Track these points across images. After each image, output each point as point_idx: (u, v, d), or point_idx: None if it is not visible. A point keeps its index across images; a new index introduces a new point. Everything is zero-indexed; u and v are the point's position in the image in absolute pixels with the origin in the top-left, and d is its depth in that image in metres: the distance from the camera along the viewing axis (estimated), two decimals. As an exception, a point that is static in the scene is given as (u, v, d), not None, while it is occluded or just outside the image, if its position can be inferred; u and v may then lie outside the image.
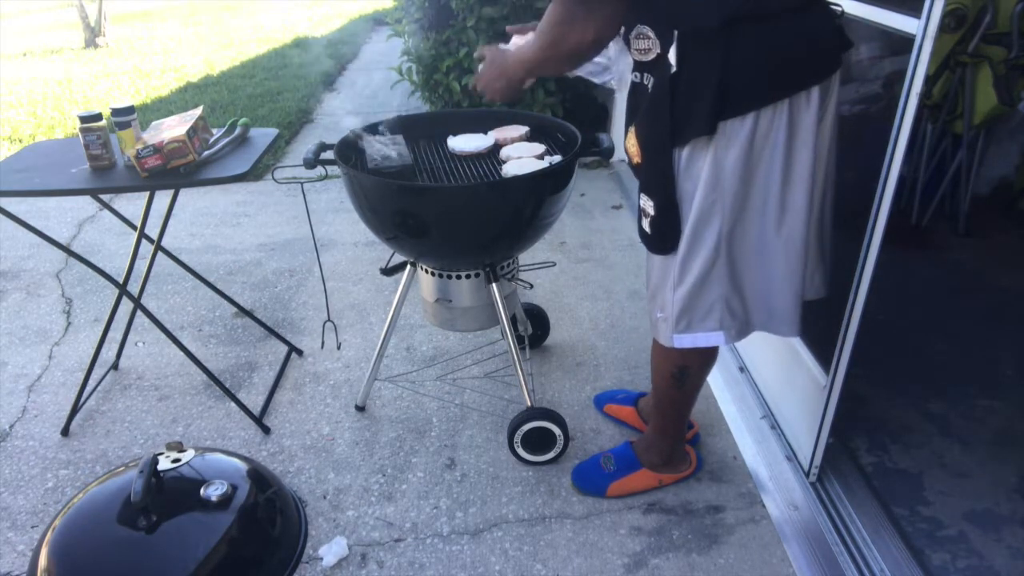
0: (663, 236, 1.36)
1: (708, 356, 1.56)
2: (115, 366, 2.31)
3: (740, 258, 1.34)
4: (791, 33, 1.19)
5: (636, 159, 1.36)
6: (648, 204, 1.37)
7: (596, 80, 1.63)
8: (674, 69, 1.22)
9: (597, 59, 1.58)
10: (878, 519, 1.65)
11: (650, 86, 1.30)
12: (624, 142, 1.40)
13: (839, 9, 1.29)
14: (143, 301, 2.03)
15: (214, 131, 1.93)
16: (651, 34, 1.25)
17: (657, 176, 1.32)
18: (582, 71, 1.62)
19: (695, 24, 1.19)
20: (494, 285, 1.78)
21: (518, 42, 1.56)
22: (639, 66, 1.32)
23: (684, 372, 1.56)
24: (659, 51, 1.25)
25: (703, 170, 1.26)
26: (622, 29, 1.33)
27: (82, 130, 1.76)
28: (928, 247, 2.95)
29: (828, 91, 1.26)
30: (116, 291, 1.95)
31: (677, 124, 1.25)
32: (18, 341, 2.49)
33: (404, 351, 2.37)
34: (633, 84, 1.35)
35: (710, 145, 1.24)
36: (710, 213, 1.29)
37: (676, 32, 1.21)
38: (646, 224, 1.40)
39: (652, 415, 1.78)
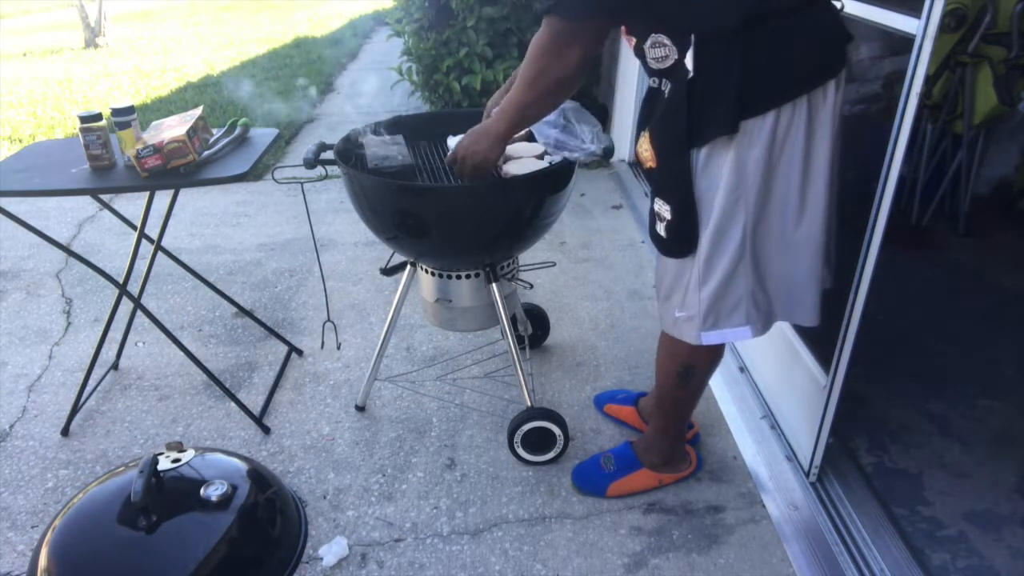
0: (680, 239, 1.36)
1: (715, 355, 1.57)
2: (115, 366, 2.31)
3: (763, 253, 1.35)
4: (802, 30, 1.21)
5: (650, 163, 1.36)
6: (664, 208, 1.36)
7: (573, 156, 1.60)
8: (691, 74, 1.23)
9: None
10: (878, 519, 1.65)
11: (667, 91, 1.30)
12: (636, 146, 1.41)
13: (840, 4, 1.30)
14: (143, 301, 2.03)
15: (214, 131, 1.93)
16: (667, 41, 1.26)
17: (674, 179, 1.32)
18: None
19: (715, 26, 1.20)
20: (494, 285, 1.78)
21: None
22: (656, 72, 1.33)
23: (690, 371, 1.56)
24: (676, 57, 1.26)
25: (724, 169, 1.27)
26: (633, 40, 1.34)
27: (82, 130, 1.76)
28: (928, 247, 2.95)
29: (839, 86, 1.27)
30: (116, 291, 1.95)
31: (696, 126, 1.26)
32: (18, 341, 2.49)
33: (404, 351, 2.37)
34: (650, 90, 1.37)
35: (731, 145, 1.25)
36: (734, 211, 1.29)
37: (693, 37, 1.22)
38: (661, 229, 1.39)
39: (654, 415, 1.78)
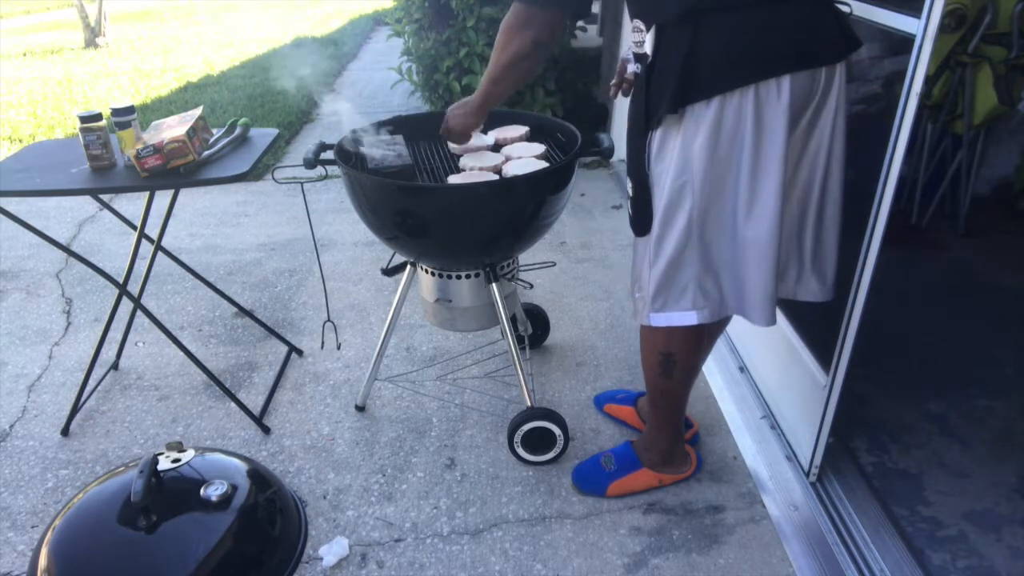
0: (639, 216, 1.43)
1: (694, 343, 1.57)
2: (115, 366, 2.31)
3: (712, 241, 1.38)
4: (757, 24, 1.23)
5: None
6: (629, 186, 1.44)
7: None
8: (650, 58, 1.30)
9: None
10: (878, 519, 1.65)
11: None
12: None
13: (847, 9, 1.30)
14: (143, 301, 2.03)
15: (214, 131, 1.93)
16: (642, 27, 1.32)
17: (634, 158, 1.39)
18: None
19: (664, 13, 1.26)
20: (494, 285, 1.78)
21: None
22: (636, 57, 1.38)
23: (670, 359, 1.57)
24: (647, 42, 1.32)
25: (673, 154, 1.32)
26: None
27: (82, 130, 1.76)
28: (928, 247, 2.95)
29: (813, 86, 1.27)
30: (116, 291, 1.95)
31: (650, 108, 1.32)
32: (18, 341, 2.49)
33: (404, 351, 2.37)
34: (634, 74, 1.41)
35: (679, 130, 1.29)
36: (680, 195, 1.34)
37: (653, 24, 1.28)
38: (628, 206, 1.47)
39: (649, 412, 1.78)
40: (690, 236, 1.36)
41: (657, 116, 1.31)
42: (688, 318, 1.45)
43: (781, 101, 1.24)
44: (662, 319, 1.46)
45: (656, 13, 1.28)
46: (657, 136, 1.33)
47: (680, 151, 1.30)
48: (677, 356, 1.57)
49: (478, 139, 1.87)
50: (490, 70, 1.53)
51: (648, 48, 1.30)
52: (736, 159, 1.29)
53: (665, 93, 1.27)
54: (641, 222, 1.43)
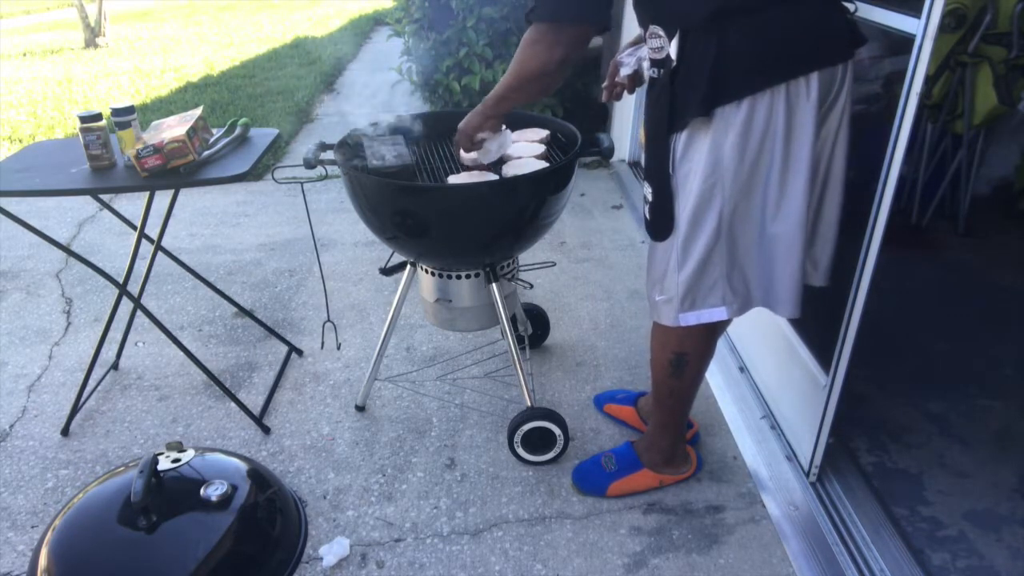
0: (659, 220, 1.42)
1: (705, 343, 1.58)
2: (115, 366, 2.31)
3: (740, 239, 1.38)
4: (782, 23, 1.23)
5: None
6: (648, 190, 1.44)
7: None
8: (674, 63, 1.29)
9: None
10: (878, 519, 1.65)
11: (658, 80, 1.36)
12: (640, 134, 1.46)
13: (852, 6, 1.31)
14: (143, 301, 2.03)
15: (214, 131, 1.93)
16: (662, 32, 1.31)
17: (655, 161, 1.39)
18: None
19: (690, 16, 1.25)
20: (494, 285, 1.78)
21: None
22: (654, 63, 1.38)
23: (682, 359, 1.58)
24: (667, 47, 1.32)
25: (702, 155, 1.31)
26: (640, 31, 1.41)
27: (82, 130, 1.76)
28: (928, 247, 2.95)
29: (833, 83, 1.28)
30: (116, 291, 1.95)
31: (675, 111, 1.32)
32: (18, 341, 2.49)
33: (404, 351, 2.37)
34: (651, 79, 1.42)
35: (708, 131, 1.29)
36: (710, 196, 1.33)
37: (678, 28, 1.27)
38: (646, 210, 1.46)
39: (653, 411, 1.78)
40: (720, 236, 1.36)
41: (684, 120, 1.30)
42: (718, 313, 1.45)
43: (811, 99, 1.25)
44: (691, 318, 1.46)
45: (681, 17, 1.27)
46: (682, 138, 1.33)
47: (709, 152, 1.30)
48: (689, 356, 1.58)
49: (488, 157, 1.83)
50: (508, 81, 1.48)
51: (672, 52, 1.29)
52: (767, 158, 1.29)
53: (693, 96, 1.27)
54: (661, 226, 1.42)
